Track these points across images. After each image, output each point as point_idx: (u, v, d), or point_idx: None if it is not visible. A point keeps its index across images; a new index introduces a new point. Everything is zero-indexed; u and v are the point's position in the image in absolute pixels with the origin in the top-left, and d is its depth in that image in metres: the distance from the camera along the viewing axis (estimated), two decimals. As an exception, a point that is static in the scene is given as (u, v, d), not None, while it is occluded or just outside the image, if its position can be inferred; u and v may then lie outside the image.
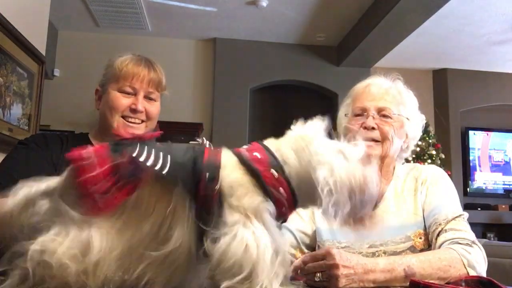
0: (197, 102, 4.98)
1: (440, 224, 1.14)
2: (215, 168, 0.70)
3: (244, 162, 0.72)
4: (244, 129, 4.86)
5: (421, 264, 1.01)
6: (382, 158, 1.25)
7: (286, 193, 0.72)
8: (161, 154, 0.70)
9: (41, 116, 2.94)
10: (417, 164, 1.34)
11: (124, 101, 1.26)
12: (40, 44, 2.82)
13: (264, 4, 4.07)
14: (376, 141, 1.23)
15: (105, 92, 1.30)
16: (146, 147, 0.70)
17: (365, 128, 1.22)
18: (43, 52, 2.87)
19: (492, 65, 5.34)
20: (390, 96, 1.26)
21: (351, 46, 4.63)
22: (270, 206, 0.70)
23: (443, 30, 4.40)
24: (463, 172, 5.41)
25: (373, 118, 1.23)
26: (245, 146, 0.78)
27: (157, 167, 0.68)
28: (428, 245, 1.16)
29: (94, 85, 1.37)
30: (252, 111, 5.04)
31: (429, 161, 4.77)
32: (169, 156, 0.70)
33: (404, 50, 4.68)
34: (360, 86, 1.32)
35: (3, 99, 2.43)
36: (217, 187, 0.68)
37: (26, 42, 2.60)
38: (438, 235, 1.12)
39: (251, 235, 0.66)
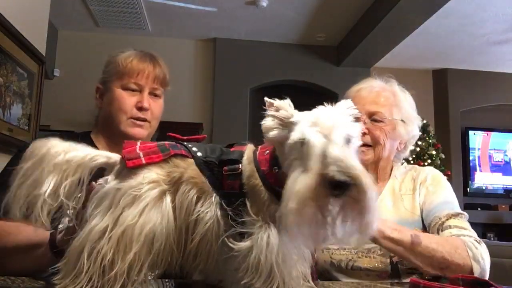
0: (197, 102, 4.98)
1: (440, 218, 1.14)
2: (237, 160, 0.72)
3: (255, 163, 0.72)
4: (244, 129, 4.87)
5: (428, 238, 1.04)
6: (376, 162, 1.26)
7: None
8: (197, 145, 0.76)
9: (41, 116, 2.94)
10: (415, 166, 1.34)
11: (129, 100, 1.21)
12: (40, 44, 2.82)
13: (264, 4, 4.07)
14: (368, 145, 1.23)
15: (108, 90, 1.24)
16: (185, 142, 0.78)
17: None
18: (43, 52, 2.87)
19: (492, 65, 5.34)
20: (383, 99, 1.25)
21: (351, 46, 4.63)
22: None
23: (443, 30, 4.41)
24: (463, 172, 5.41)
25: (364, 123, 1.22)
26: (264, 145, 0.79)
27: (194, 149, 0.75)
28: None
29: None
30: (252, 111, 5.04)
31: (429, 161, 4.77)
32: (203, 148, 0.76)
33: (404, 50, 4.68)
34: (352, 90, 1.32)
35: (3, 99, 2.43)
36: (238, 179, 0.71)
37: (26, 42, 2.60)
38: (441, 229, 1.13)
39: (270, 239, 0.67)
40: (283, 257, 0.66)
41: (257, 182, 0.70)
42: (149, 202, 0.67)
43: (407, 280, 1.15)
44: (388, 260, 1.16)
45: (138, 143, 0.74)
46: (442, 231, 1.12)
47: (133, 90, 1.22)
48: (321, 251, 1.20)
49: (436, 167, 4.74)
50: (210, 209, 0.69)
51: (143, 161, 0.71)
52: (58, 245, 0.88)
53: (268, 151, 0.73)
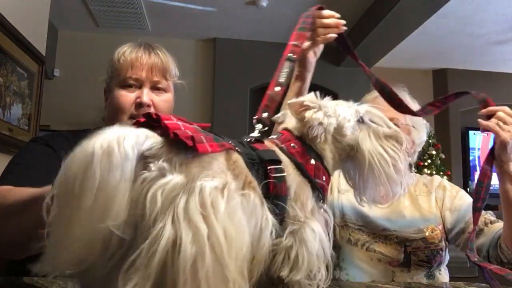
0: (197, 102, 4.98)
1: (482, 215, 1.26)
2: (279, 161, 0.66)
3: (290, 157, 0.70)
4: (244, 129, 4.86)
5: None
6: None
7: (326, 178, 0.73)
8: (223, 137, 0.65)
9: (41, 116, 2.94)
10: (423, 175, 1.48)
11: (127, 98, 1.09)
12: (40, 44, 2.82)
13: (264, 4, 4.08)
14: None
15: (110, 91, 1.15)
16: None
17: None
18: (43, 52, 2.87)
19: (492, 65, 5.34)
20: None
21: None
22: (318, 197, 0.71)
23: (443, 30, 4.40)
24: (463, 172, 5.42)
25: None
26: (274, 136, 0.76)
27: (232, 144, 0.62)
28: (438, 240, 1.28)
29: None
30: (252, 111, 5.04)
31: (429, 161, 4.77)
32: (233, 141, 0.65)
33: (404, 50, 4.68)
34: (369, 97, 1.42)
35: (3, 99, 2.42)
36: (284, 182, 0.65)
37: (26, 42, 2.60)
38: (490, 222, 1.25)
39: (312, 234, 0.66)
40: (322, 249, 0.67)
41: (300, 179, 0.68)
42: (245, 208, 0.55)
43: (416, 271, 1.27)
44: (403, 249, 1.26)
45: (176, 120, 0.57)
46: (491, 223, 1.24)
47: (131, 86, 1.11)
48: (340, 227, 1.32)
49: (436, 167, 4.74)
50: (267, 216, 0.59)
51: (209, 149, 0.54)
52: None
53: (294, 144, 0.72)
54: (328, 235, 0.70)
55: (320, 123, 0.73)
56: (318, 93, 0.79)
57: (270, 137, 0.76)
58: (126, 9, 4.24)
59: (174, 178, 0.51)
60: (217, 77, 4.97)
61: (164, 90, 1.15)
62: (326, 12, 1.01)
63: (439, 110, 1.01)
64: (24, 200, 0.80)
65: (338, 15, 1.01)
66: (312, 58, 1.11)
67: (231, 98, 4.90)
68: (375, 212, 1.32)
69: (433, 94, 5.66)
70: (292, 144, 0.72)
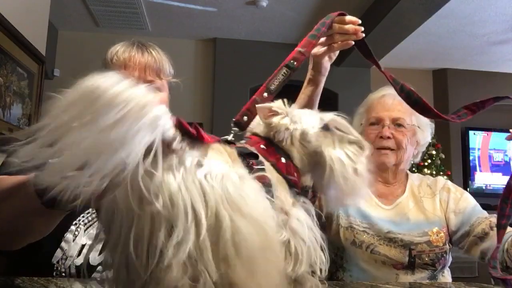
0: (197, 102, 4.98)
1: (486, 218, 1.28)
2: (256, 155, 0.69)
3: (262, 157, 0.71)
4: (244, 129, 4.87)
5: None
6: (397, 165, 1.37)
7: (297, 174, 0.74)
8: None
9: (41, 116, 2.94)
10: (426, 175, 1.48)
11: None
12: (40, 44, 2.82)
13: (264, 4, 4.07)
14: (391, 149, 1.34)
15: None
16: None
17: (381, 137, 1.34)
18: (43, 52, 2.87)
19: (492, 65, 5.34)
20: (403, 107, 1.33)
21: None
22: (295, 192, 0.71)
23: (443, 30, 4.40)
24: (463, 172, 5.41)
25: (388, 128, 1.33)
26: (243, 141, 0.76)
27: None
28: (443, 243, 1.27)
29: None
30: (252, 111, 5.04)
31: (429, 161, 4.77)
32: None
33: (404, 50, 4.68)
34: (375, 96, 1.41)
35: (3, 99, 2.43)
36: (265, 174, 0.67)
37: (26, 42, 2.60)
38: (492, 228, 1.23)
39: (298, 223, 0.67)
40: (313, 235, 0.67)
41: (277, 175, 0.70)
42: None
43: (420, 274, 1.26)
44: (407, 252, 1.25)
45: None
46: (499, 229, 1.22)
47: None
48: (345, 228, 1.30)
49: (436, 167, 4.74)
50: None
51: (209, 139, 0.58)
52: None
53: (263, 146, 0.74)
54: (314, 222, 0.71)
55: (287, 129, 0.75)
56: (285, 100, 0.78)
57: (239, 142, 0.76)
58: (126, 9, 4.24)
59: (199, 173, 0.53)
60: (217, 77, 4.97)
61: (159, 90, 1.13)
62: (347, 18, 0.97)
63: (475, 114, 0.95)
64: (12, 187, 0.80)
65: (359, 21, 0.98)
66: (327, 62, 1.09)
67: (231, 98, 4.90)
68: (379, 214, 1.31)
69: (433, 94, 5.67)
70: (261, 146, 0.74)
